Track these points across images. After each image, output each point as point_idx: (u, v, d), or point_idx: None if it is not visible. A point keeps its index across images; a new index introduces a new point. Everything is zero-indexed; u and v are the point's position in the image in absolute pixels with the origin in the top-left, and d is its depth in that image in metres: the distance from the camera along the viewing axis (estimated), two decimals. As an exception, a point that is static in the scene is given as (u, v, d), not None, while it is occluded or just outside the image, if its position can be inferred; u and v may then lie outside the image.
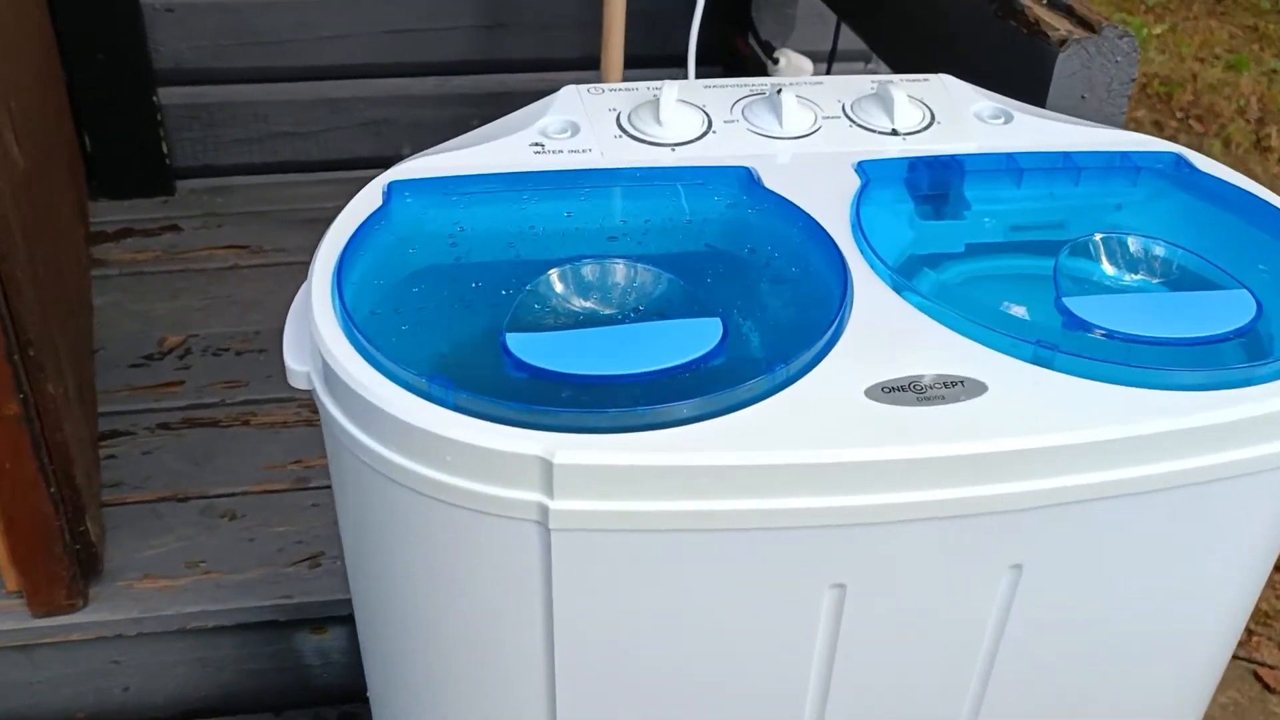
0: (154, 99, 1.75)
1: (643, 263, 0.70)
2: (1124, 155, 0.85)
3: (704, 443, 0.60)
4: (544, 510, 0.61)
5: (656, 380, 0.63)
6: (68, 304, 1.28)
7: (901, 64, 1.24)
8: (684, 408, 0.61)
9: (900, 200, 0.82)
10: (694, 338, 0.65)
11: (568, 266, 0.69)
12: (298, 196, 1.77)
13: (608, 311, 0.68)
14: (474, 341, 0.65)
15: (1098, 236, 0.76)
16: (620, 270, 0.69)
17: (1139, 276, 0.74)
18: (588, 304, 0.68)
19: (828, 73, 1.59)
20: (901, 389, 0.64)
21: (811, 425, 0.61)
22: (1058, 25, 0.94)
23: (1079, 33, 0.92)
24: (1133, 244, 0.76)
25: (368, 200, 0.77)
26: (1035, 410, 0.63)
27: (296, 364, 0.68)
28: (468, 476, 0.61)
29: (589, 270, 0.69)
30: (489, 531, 0.63)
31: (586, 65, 1.54)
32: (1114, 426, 0.63)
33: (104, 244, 1.69)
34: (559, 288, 0.68)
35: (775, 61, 1.58)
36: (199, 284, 1.60)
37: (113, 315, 1.53)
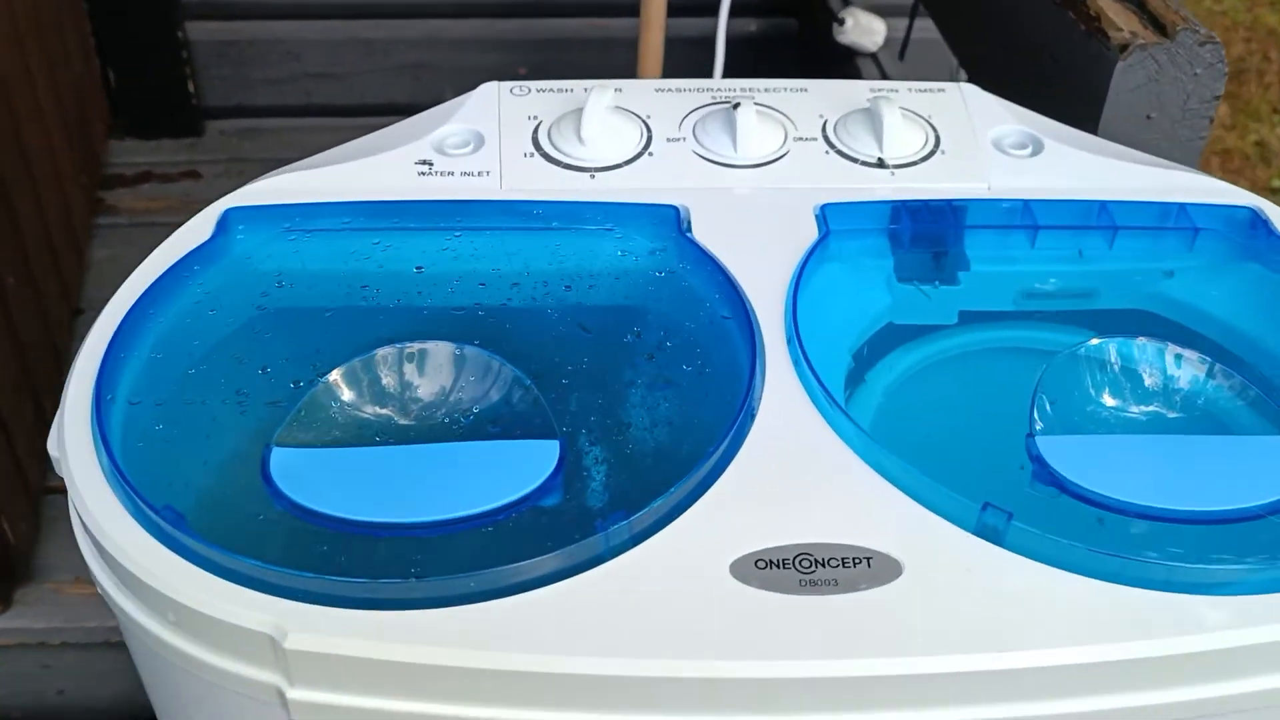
0: (180, 33, 1.63)
1: (487, 349, 0.54)
2: (1181, 209, 0.65)
3: (486, 634, 0.44)
4: (283, 697, 0.46)
5: (450, 533, 0.47)
6: (20, 264, 1.17)
7: (959, 44, 1.03)
8: (469, 581, 0.45)
9: (867, 260, 0.64)
10: (519, 468, 0.49)
11: (377, 353, 0.53)
12: (327, 143, 1.63)
13: (421, 418, 0.52)
14: (241, 455, 0.50)
15: (1095, 342, 0.56)
16: (446, 360, 0.53)
17: (1150, 408, 0.55)
18: (393, 407, 0.52)
19: (905, 39, 1.38)
20: (782, 564, 0.47)
21: (641, 616, 0.45)
22: (1122, 24, 0.73)
23: (1147, 36, 0.72)
24: (1149, 352, 0.56)
25: (195, 231, 0.62)
26: (959, 612, 0.46)
27: (53, 447, 0.54)
28: (194, 641, 0.47)
29: (402, 357, 0.53)
30: (233, 704, 0.49)
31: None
32: (1074, 648, 0.45)
33: (119, 190, 1.59)
34: (361, 382, 0.52)
35: (841, 22, 1.36)
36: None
37: (110, 272, 1.43)
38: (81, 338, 0.55)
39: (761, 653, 0.44)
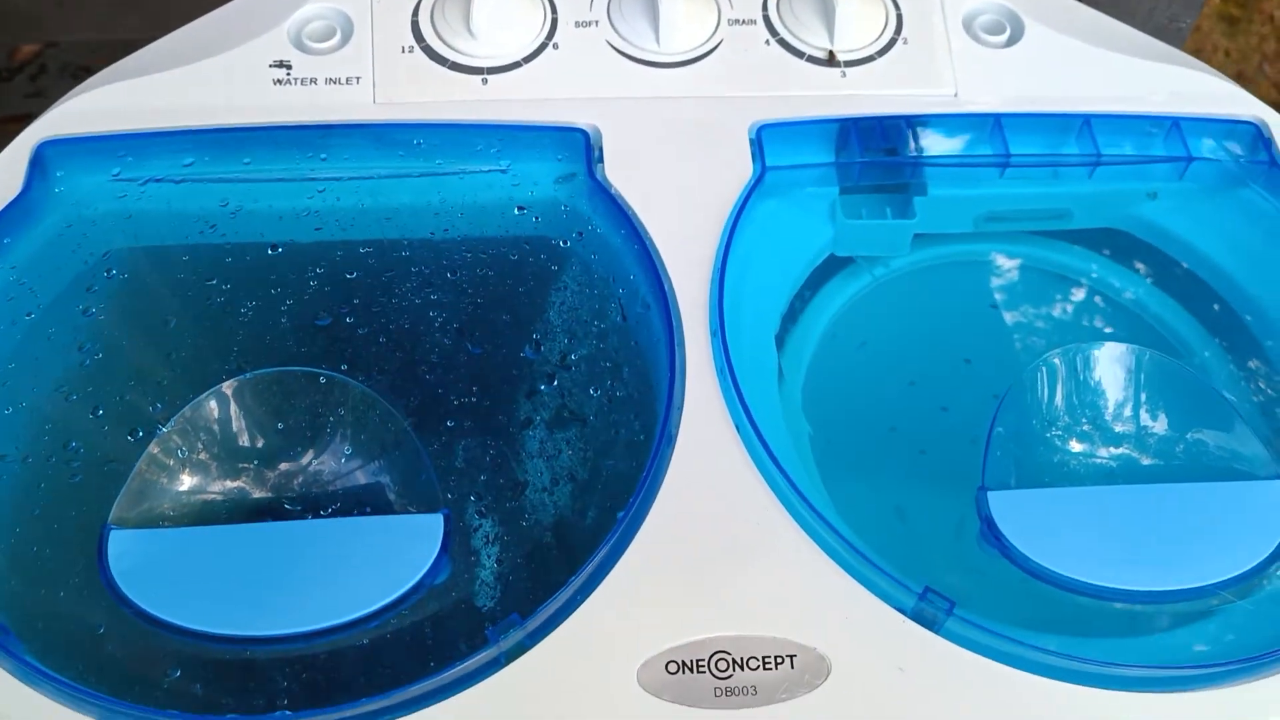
0: None
1: (358, 376, 0.46)
2: (1174, 127, 0.55)
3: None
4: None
5: (321, 645, 0.41)
6: None
7: None
8: (342, 714, 0.40)
9: (810, 191, 0.55)
10: (398, 553, 0.43)
11: (226, 390, 0.45)
12: None
13: (282, 480, 0.45)
14: (76, 537, 0.43)
15: (1056, 358, 0.49)
16: (308, 397, 0.45)
17: (1119, 450, 0.48)
18: (248, 465, 0.45)
19: None
20: (696, 667, 0.42)
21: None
22: None
23: (1158, -123, 0.59)
24: (1121, 367, 0.49)
25: (4, 176, 0.52)
26: (891, 725, 0.41)
27: None
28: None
29: (256, 395, 0.45)
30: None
31: None
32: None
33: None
34: (206, 432, 0.45)
35: None
36: (65, -36, 1.31)
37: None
38: None
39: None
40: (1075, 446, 0.47)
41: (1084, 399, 0.49)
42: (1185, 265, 0.57)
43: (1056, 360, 0.49)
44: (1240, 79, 2.07)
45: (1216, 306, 0.55)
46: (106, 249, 0.49)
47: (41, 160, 0.51)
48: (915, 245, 0.57)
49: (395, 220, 0.50)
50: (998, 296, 0.57)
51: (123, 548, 0.42)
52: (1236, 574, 0.44)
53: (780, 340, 0.53)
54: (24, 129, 0.89)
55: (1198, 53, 2.10)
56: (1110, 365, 0.49)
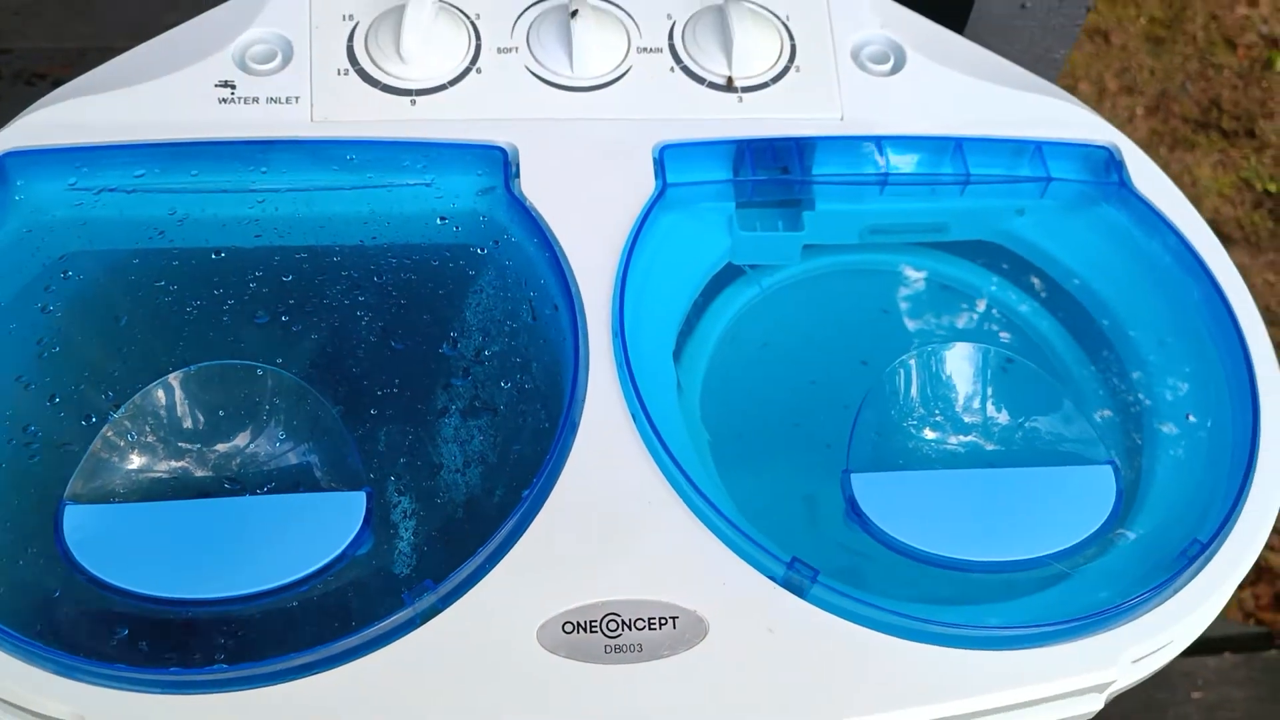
0: None
1: (292, 369, 0.51)
2: (1037, 151, 0.62)
3: (290, 715, 0.45)
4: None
5: (254, 607, 0.46)
6: None
7: None
8: (273, 665, 0.45)
9: (708, 205, 0.60)
10: (326, 526, 0.48)
11: (171, 381, 0.50)
12: None
13: (222, 461, 0.50)
14: (34, 512, 0.48)
15: (912, 360, 0.55)
16: (247, 389, 0.50)
17: (969, 438, 0.54)
18: (191, 447, 0.50)
19: None
20: (589, 627, 0.47)
21: (448, 692, 0.46)
22: (1003, -97, 0.66)
23: (1028, -76, 0.65)
24: (974, 364, 0.56)
25: (-34, 185, 0.56)
26: (757, 681, 0.47)
27: None
28: (8, 714, 0.47)
29: (198, 385, 0.50)
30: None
31: None
32: (869, 717, 0.47)
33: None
34: (153, 418, 0.50)
35: None
36: (19, -28, 1.34)
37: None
38: None
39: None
40: (929, 434, 0.54)
41: (937, 393, 0.55)
42: (1049, 274, 0.63)
43: (913, 360, 0.55)
44: (1164, 96, 2.15)
45: (1075, 310, 0.61)
46: (63, 252, 0.54)
47: (3, 169, 0.56)
48: (806, 255, 0.63)
49: (328, 228, 0.56)
50: (887, 302, 0.63)
51: (77, 521, 0.47)
52: (1067, 547, 0.50)
53: (680, 339, 0.59)
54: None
55: (1124, 71, 2.19)
56: (961, 363, 0.55)
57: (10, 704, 0.45)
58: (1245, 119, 2.08)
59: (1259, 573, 1.66)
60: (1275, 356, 0.55)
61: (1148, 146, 2.05)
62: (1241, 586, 1.71)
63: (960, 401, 0.55)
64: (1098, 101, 2.11)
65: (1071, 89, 2.09)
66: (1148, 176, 0.62)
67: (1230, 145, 2.05)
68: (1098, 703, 0.49)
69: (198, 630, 0.46)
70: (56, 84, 0.74)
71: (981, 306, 0.63)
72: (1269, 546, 1.70)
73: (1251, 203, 1.98)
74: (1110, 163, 0.62)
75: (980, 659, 0.48)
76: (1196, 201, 2.02)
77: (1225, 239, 1.92)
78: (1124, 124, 2.08)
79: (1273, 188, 1.99)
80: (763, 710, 0.46)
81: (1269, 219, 1.95)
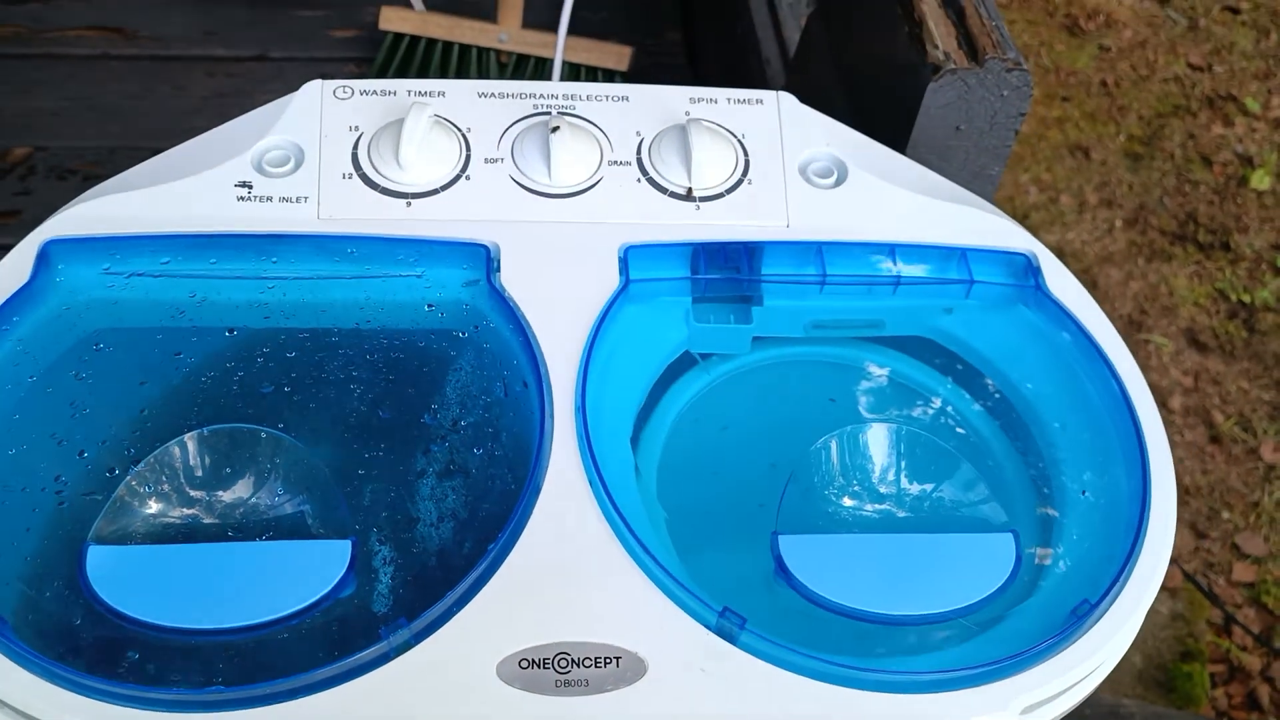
0: None
1: (292, 433, 0.58)
2: (962, 257, 0.69)
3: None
4: (103, 778, 0.53)
5: (251, 638, 0.53)
6: None
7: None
8: (265, 689, 0.51)
9: (666, 300, 0.68)
10: (315, 569, 0.55)
11: (186, 441, 0.57)
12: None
13: (227, 511, 0.57)
14: (60, 551, 0.55)
15: (833, 438, 0.62)
16: (251, 449, 0.58)
17: (884, 507, 0.61)
18: (201, 499, 0.57)
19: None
20: (543, 664, 0.54)
21: (414, 716, 0.52)
22: (939, 40, 0.75)
23: (959, 58, 0.74)
24: (889, 441, 0.63)
25: (15, 268, 0.64)
26: (692, 714, 0.53)
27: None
28: (21, 726, 0.53)
29: (208, 446, 0.57)
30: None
31: None
32: (777, 744, 0.53)
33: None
34: (168, 473, 0.57)
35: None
36: (58, 76, 1.45)
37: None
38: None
39: (515, 757, 0.52)
40: (848, 502, 0.60)
41: (857, 466, 0.62)
42: (973, 365, 0.70)
43: (834, 439, 0.62)
44: (1143, 210, 2.25)
45: (994, 397, 0.69)
46: (95, 327, 0.62)
47: (47, 255, 0.64)
48: (756, 347, 0.70)
49: (329, 312, 0.63)
50: (831, 390, 0.70)
51: (98, 560, 0.54)
52: (969, 604, 0.57)
53: (638, 429, 0.66)
54: (13, 223, 1.01)
55: (1103, 185, 2.28)
56: (879, 440, 0.62)
57: (32, 717, 0.51)
58: (1221, 232, 2.17)
59: (1231, 672, 1.70)
60: (1165, 439, 0.62)
61: (1126, 257, 2.14)
62: (1215, 685, 1.75)
63: (878, 474, 0.62)
64: (1078, 214, 2.20)
65: (1053, 201, 2.19)
66: (1061, 281, 0.69)
67: (1206, 257, 2.13)
68: (997, 747, 0.56)
69: (200, 656, 0.52)
70: (87, 179, 0.81)
71: (914, 394, 0.70)
72: (1241, 647, 1.74)
73: (1226, 312, 2.06)
74: (1028, 268, 0.69)
75: (888, 701, 0.54)
76: (1173, 311, 2.10)
77: (1200, 347, 1.99)
78: (1103, 235, 2.17)
79: (1247, 299, 2.07)
80: (693, 740, 0.53)
81: (1243, 328, 2.03)
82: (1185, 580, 1.70)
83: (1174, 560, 1.69)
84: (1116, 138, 2.32)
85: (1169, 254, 2.14)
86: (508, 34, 1.36)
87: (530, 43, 1.36)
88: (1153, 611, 1.76)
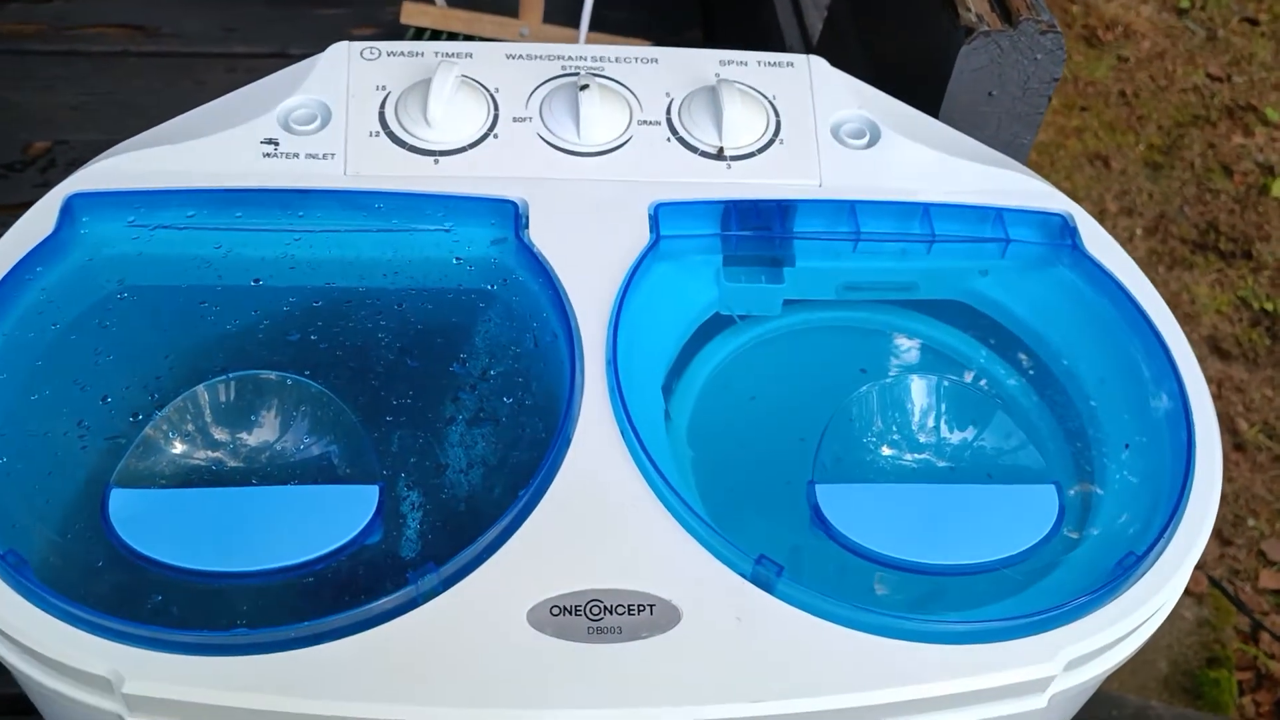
0: None
1: (318, 380, 0.57)
2: (998, 216, 0.68)
3: (296, 680, 0.50)
4: (125, 722, 0.52)
5: (275, 581, 0.52)
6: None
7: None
8: (288, 632, 0.50)
9: (696, 258, 0.67)
10: (342, 513, 0.53)
11: (212, 386, 0.56)
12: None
13: (252, 456, 0.56)
14: (82, 493, 0.54)
15: (874, 388, 0.61)
16: (277, 395, 0.57)
17: (924, 456, 0.60)
18: (225, 444, 0.56)
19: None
20: (575, 611, 0.52)
21: (445, 664, 0.51)
22: (971, 4, 0.74)
23: (992, 20, 0.73)
24: (931, 393, 0.61)
25: (37, 221, 0.63)
26: (726, 662, 0.52)
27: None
28: (45, 672, 0.52)
29: (234, 391, 0.56)
30: (84, 715, 0.54)
31: None
32: (823, 696, 0.52)
33: (-15, 9, 1.52)
34: (193, 418, 0.56)
35: None
36: (80, 73, 1.45)
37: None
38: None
39: (549, 702, 0.50)
40: (886, 451, 0.59)
41: (898, 417, 0.60)
42: (1009, 327, 0.69)
43: (875, 389, 0.60)
44: (1163, 218, 2.23)
45: (1032, 357, 0.67)
46: (120, 279, 0.61)
47: (70, 209, 0.63)
48: (789, 310, 0.69)
49: (356, 265, 0.62)
50: (864, 355, 0.69)
51: (121, 502, 0.53)
52: (1011, 554, 0.55)
53: (670, 378, 0.65)
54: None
55: (1123, 194, 2.27)
56: (920, 392, 0.61)
57: (54, 661, 0.50)
58: (1242, 241, 2.16)
59: (1259, 680, 1.67)
60: (1208, 393, 0.61)
61: (1147, 265, 2.12)
62: (1242, 692, 1.72)
63: (916, 424, 0.60)
64: (1099, 222, 2.19)
65: (1073, 209, 2.17)
66: (1099, 241, 0.68)
67: (1227, 266, 2.12)
68: (1041, 701, 0.54)
69: (224, 599, 0.51)
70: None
71: (950, 359, 0.68)
72: (1269, 654, 1.72)
73: (1249, 320, 2.04)
74: (1065, 228, 0.68)
75: (929, 651, 0.53)
76: (1195, 319, 2.08)
77: (1223, 355, 1.98)
78: (1124, 244, 2.15)
79: (1269, 306, 2.05)
80: (729, 688, 0.51)
81: (1266, 336, 2.01)
82: (1211, 586, 1.68)
83: (1200, 566, 1.67)
84: (1136, 147, 2.31)
85: (1190, 262, 2.12)
86: (529, 28, 1.35)
87: (551, 37, 1.35)
88: (1179, 617, 1.74)
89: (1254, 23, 2.56)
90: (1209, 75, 2.46)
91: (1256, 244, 2.15)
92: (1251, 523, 1.79)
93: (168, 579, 0.51)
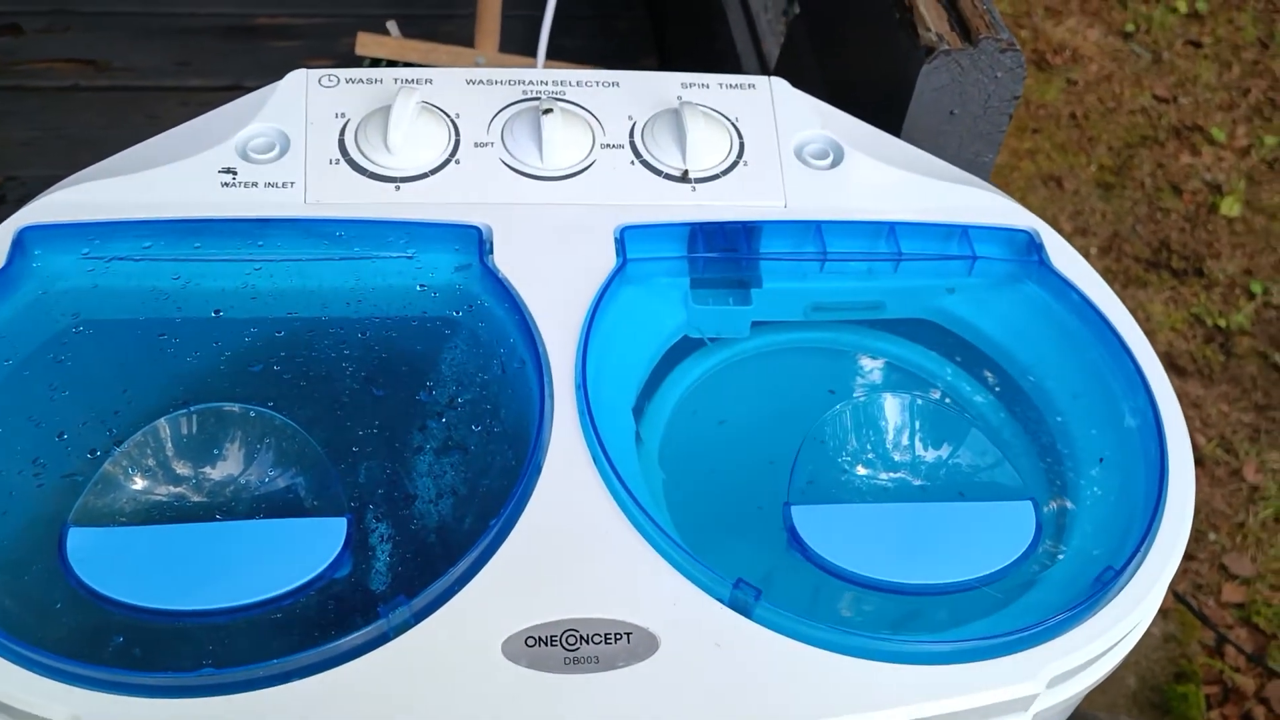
0: None
1: (282, 412, 0.56)
2: (964, 233, 0.68)
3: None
4: (86, 769, 0.50)
5: (241, 619, 0.50)
6: None
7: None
8: (256, 671, 0.49)
9: (664, 281, 0.66)
10: (309, 547, 0.52)
11: (171, 420, 0.55)
12: (166, -6, 1.56)
13: (214, 490, 0.54)
14: (39, 533, 0.52)
15: (847, 407, 0.61)
16: (239, 427, 0.55)
17: (898, 475, 0.59)
18: (187, 479, 0.54)
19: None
20: (550, 641, 0.51)
21: (420, 698, 0.49)
22: (931, 23, 0.74)
23: (952, 40, 0.73)
24: (902, 410, 0.61)
25: (-12, 254, 0.62)
26: (705, 689, 0.51)
27: None
28: (1, 715, 0.50)
29: (195, 425, 0.55)
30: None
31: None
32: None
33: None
34: (153, 453, 0.54)
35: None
36: (29, 108, 1.43)
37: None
38: None
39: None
40: (861, 471, 0.58)
41: (872, 436, 0.60)
42: (978, 345, 0.68)
43: (848, 408, 0.60)
44: (1116, 237, 2.26)
45: (1002, 374, 0.67)
46: (75, 312, 0.59)
47: (22, 242, 0.61)
48: (757, 332, 0.68)
49: (319, 294, 0.61)
50: (832, 377, 0.69)
51: (79, 542, 0.51)
52: (989, 573, 0.55)
53: (640, 401, 0.64)
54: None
55: (1077, 214, 2.29)
56: (893, 411, 0.61)
57: (12, 708, 0.48)
58: (1193, 259, 2.18)
59: (1226, 693, 1.68)
60: (1178, 405, 0.61)
61: (1102, 285, 2.14)
62: (1210, 706, 1.73)
63: (890, 443, 0.60)
64: (1053, 242, 2.21)
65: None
66: (1065, 256, 0.68)
67: (1180, 283, 2.14)
68: (1024, 719, 0.53)
69: (189, 639, 0.49)
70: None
71: (920, 378, 0.68)
72: (1234, 668, 1.73)
73: (1203, 337, 2.07)
74: (1031, 244, 0.68)
75: (912, 673, 0.52)
76: (1150, 336, 2.10)
77: (1179, 371, 1.99)
78: (1078, 263, 2.17)
79: (1222, 323, 2.07)
80: (710, 715, 0.50)
81: (1220, 352, 2.03)
82: (1176, 601, 1.68)
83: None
84: (1088, 168, 2.34)
85: (1144, 280, 2.15)
86: (485, 58, 1.35)
87: (508, 66, 1.35)
88: (1146, 633, 1.75)
89: (1197, 45, 2.61)
90: (1155, 97, 2.49)
91: (1207, 261, 2.18)
92: (1213, 537, 1.80)
93: (129, 619, 0.50)
